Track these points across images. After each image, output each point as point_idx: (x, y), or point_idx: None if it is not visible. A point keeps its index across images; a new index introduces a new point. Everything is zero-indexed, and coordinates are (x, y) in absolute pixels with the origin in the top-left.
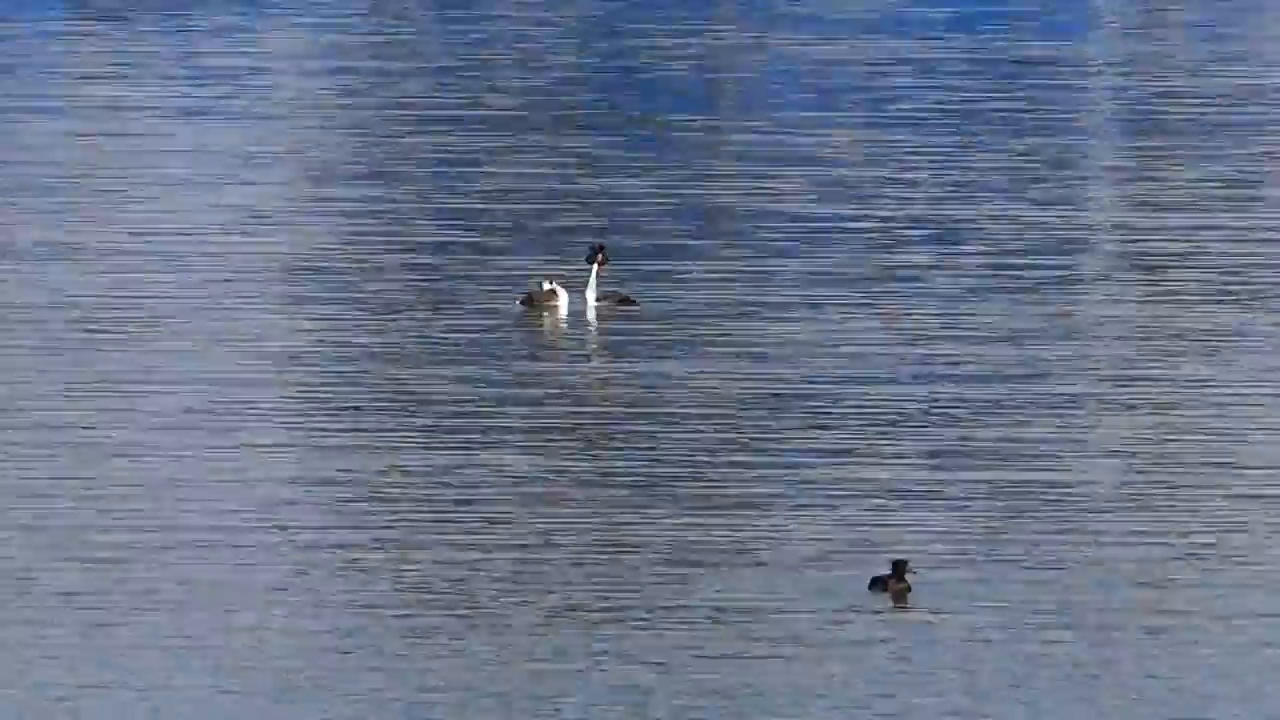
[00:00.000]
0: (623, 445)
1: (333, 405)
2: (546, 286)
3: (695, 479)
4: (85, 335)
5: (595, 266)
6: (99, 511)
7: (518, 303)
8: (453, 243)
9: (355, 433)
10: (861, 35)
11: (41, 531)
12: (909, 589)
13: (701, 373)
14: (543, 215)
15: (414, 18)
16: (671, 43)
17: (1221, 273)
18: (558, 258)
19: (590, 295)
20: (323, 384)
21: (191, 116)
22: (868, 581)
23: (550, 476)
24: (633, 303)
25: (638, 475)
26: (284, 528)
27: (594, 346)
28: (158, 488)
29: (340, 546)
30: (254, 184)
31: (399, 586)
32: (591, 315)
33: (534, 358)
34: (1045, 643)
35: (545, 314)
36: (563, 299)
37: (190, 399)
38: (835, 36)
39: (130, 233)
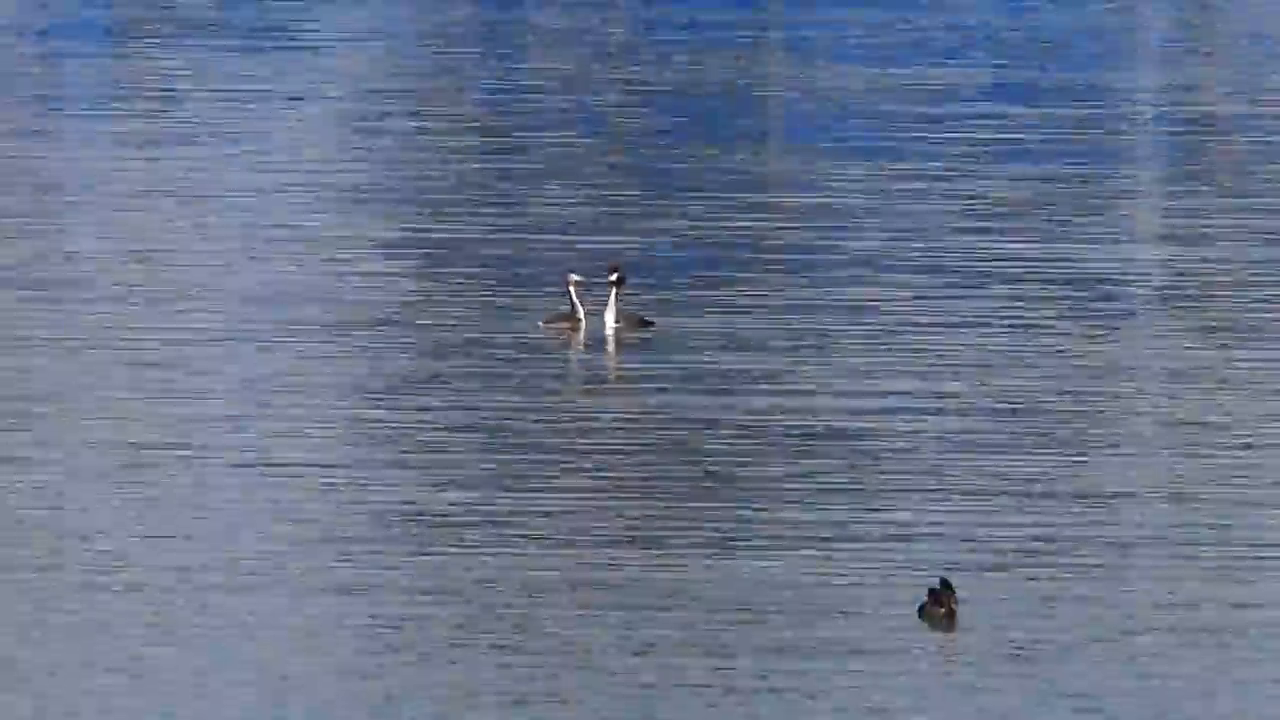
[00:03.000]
0: (641, 481)
1: (343, 431)
2: (574, 278)
3: (713, 514)
4: (99, 357)
5: (614, 289)
6: (108, 532)
7: (539, 323)
8: (472, 265)
9: (361, 464)
10: (884, 64)
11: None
12: (953, 613)
13: (721, 404)
14: (563, 238)
15: (449, 45)
16: (702, 69)
17: (1254, 307)
18: (578, 277)
19: (609, 317)
20: (336, 408)
21: (218, 140)
22: (917, 608)
23: (564, 513)
24: (650, 324)
25: (655, 511)
26: (283, 557)
27: (612, 375)
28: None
29: (334, 583)
30: (269, 208)
31: (395, 624)
32: (610, 334)
33: (552, 387)
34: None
35: (566, 334)
36: (583, 321)
37: (191, 423)
38: (859, 65)
39: (144, 255)
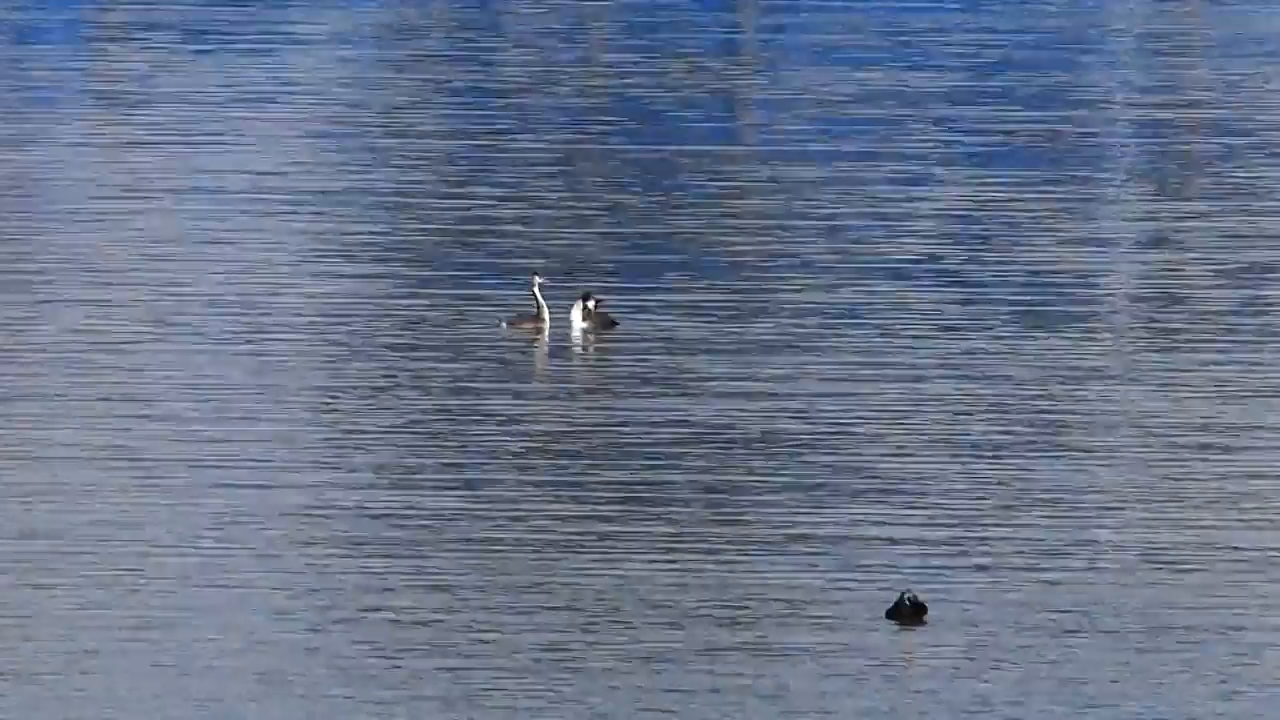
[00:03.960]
0: (608, 482)
1: (308, 435)
2: (538, 280)
3: (682, 517)
4: (91, 353)
5: (582, 303)
6: (93, 528)
7: (503, 324)
8: (437, 265)
9: (326, 467)
10: (858, 66)
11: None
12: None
13: (688, 407)
14: (529, 240)
15: (422, 46)
16: (682, 71)
17: (1239, 311)
18: (541, 279)
19: (575, 316)
20: (299, 409)
21: (186, 141)
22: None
23: (534, 514)
24: (615, 324)
25: (626, 514)
26: (238, 559)
27: (577, 379)
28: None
29: (291, 584)
30: (234, 209)
31: (368, 625)
32: (576, 335)
33: (518, 389)
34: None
35: (530, 334)
36: (547, 321)
37: (150, 422)
38: (839, 66)
39: (111, 255)
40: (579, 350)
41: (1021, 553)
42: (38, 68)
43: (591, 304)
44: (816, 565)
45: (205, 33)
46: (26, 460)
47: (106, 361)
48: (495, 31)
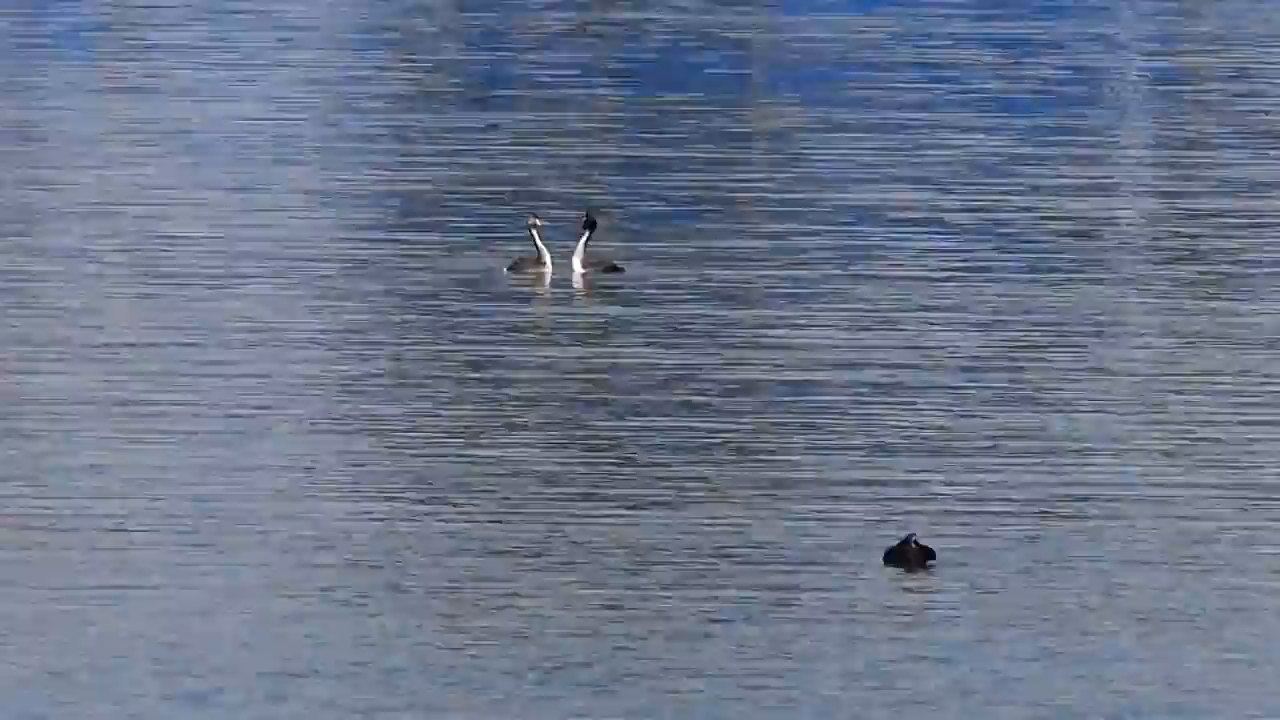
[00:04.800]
0: (609, 434)
1: (307, 386)
2: (536, 221)
3: (684, 465)
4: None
5: (584, 235)
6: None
7: (505, 269)
8: (442, 210)
9: (330, 417)
10: (869, 11)
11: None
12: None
13: (691, 355)
14: (538, 183)
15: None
16: (695, 20)
17: (1252, 259)
18: (541, 220)
19: (577, 262)
20: (300, 356)
21: (189, 91)
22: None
23: (540, 466)
24: (619, 270)
25: (622, 466)
26: (241, 507)
27: (579, 325)
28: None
29: (298, 535)
30: (237, 157)
31: (367, 570)
32: (578, 282)
33: (518, 337)
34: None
35: (532, 280)
36: (548, 265)
37: (166, 380)
38: (843, 13)
39: (109, 203)
40: (581, 296)
41: (1030, 502)
42: (41, 13)
43: (588, 235)
44: (823, 513)
45: None
46: (19, 407)
47: (103, 307)
48: None
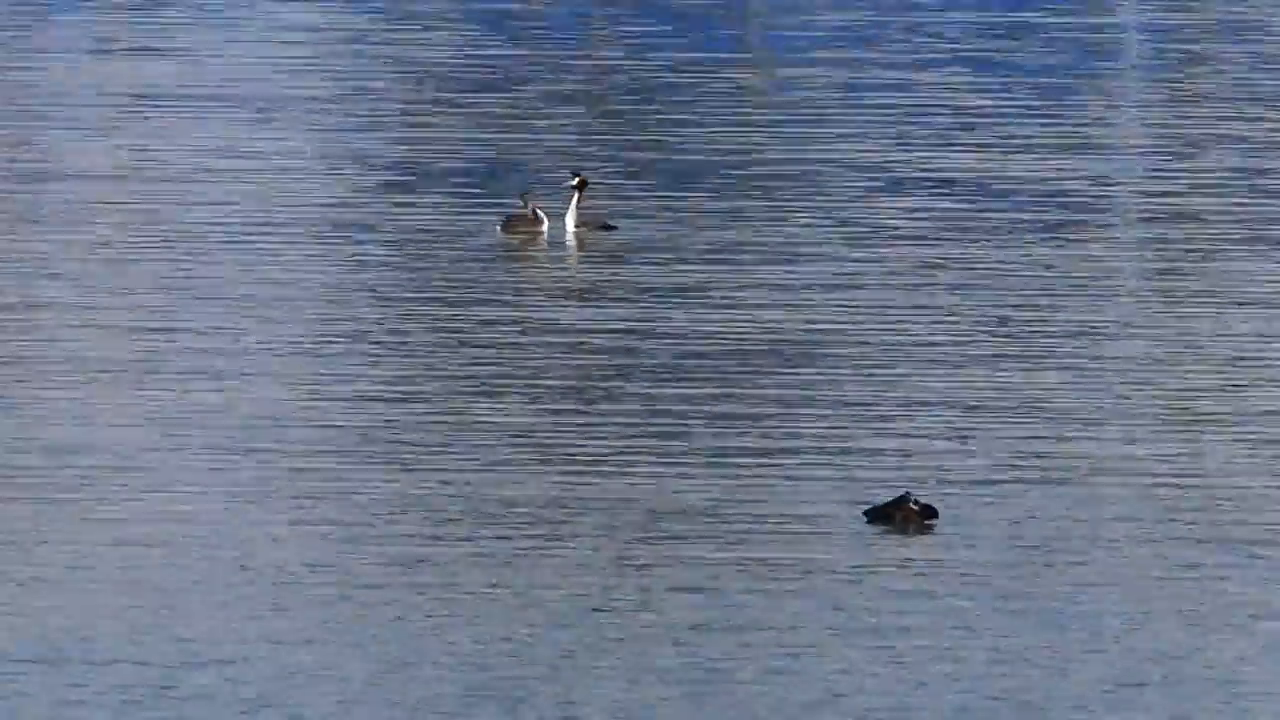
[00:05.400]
0: (609, 395)
1: (305, 347)
2: (528, 205)
3: (681, 431)
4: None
5: (576, 193)
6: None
7: (498, 228)
8: (434, 171)
9: (326, 381)
10: None
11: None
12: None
13: (683, 316)
14: (529, 147)
15: None
16: None
17: (1253, 221)
18: (540, 185)
19: (570, 221)
20: (294, 323)
21: (187, 54)
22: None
23: (534, 429)
24: (612, 228)
25: (621, 427)
26: (241, 471)
27: (572, 284)
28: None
29: (297, 496)
30: (233, 121)
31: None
32: (571, 241)
33: (513, 299)
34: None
35: (525, 239)
36: (543, 225)
37: (163, 355)
38: None
39: (109, 167)
40: (575, 255)
41: (1022, 464)
42: None
43: (578, 186)
44: (817, 475)
45: None
46: (25, 372)
47: (107, 272)
48: None
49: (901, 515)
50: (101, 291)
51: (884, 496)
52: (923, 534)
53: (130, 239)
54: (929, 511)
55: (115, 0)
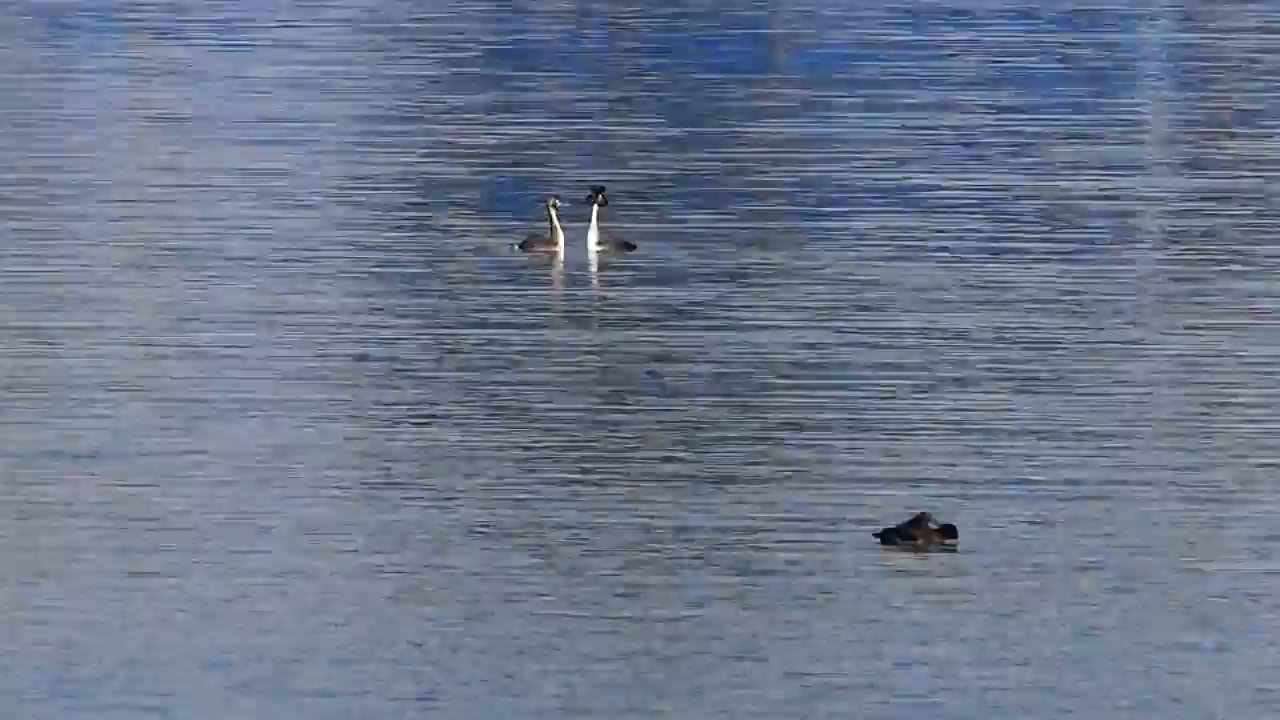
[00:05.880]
0: (626, 416)
1: (322, 369)
2: (555, 201)
3: (697, 453)
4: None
5: (595, 209)
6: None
7: (516, 247)
8: (453, 186)
9: (339, 402)
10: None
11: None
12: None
13: (702, 337)
14: (550, 162)
15: None
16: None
17: (1268, 241)
18: (561, 200)
19: (591, 240)
20: (312, 343)
21: (210, 74)
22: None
23: (549, 450)
24: (632, 247)
25: (642, 450)
26: (249, 497)
27: (593, 306)
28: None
29: (309, 522)
30: (251, 139)
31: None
32: (592, 259)
33: (531, 320)
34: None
35: (546, 258)
36: (561, 243)
37: (169, 358)
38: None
39: (130, 187)
40: (593, 275)
41: (1046, 486)
42: None
43: (599, 209)
44: (833, 497)
45: None
46: (38, 393)
47: (116, 292)
48: None
49: (920, 535)
50: (122, 312)
51: (899, 518)
52: (943, 552)
53: (150, 260)
54: (949, 530)
55: (139, 24)
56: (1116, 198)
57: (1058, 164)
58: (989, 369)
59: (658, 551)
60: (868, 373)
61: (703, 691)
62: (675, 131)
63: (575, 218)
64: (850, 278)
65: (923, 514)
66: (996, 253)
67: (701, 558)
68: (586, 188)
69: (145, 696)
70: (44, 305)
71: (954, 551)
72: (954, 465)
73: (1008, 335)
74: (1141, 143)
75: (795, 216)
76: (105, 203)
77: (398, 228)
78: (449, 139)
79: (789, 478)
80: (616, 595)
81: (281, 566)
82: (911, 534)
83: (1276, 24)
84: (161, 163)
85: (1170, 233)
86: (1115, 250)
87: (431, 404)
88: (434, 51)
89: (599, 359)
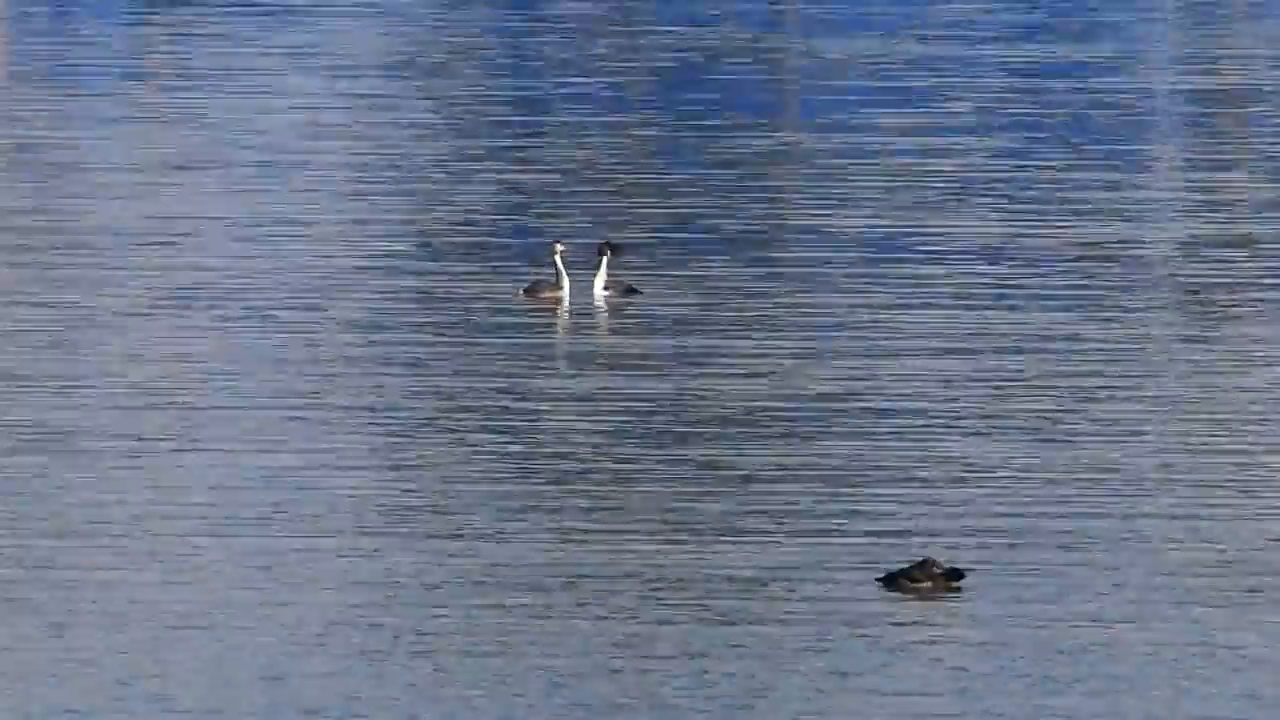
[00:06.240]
0: (629, 463)
1: (326, 414)
2: (560, 248)
3: (702, 497)
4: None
5: (604, 258)
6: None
7: (521, 292)
8: (457, 232)
9: (343, 447)
10: (905, 35)
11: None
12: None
13: (709, 383)
14: (556, 209)
15: (468, 19)
16: (722, 45)
17: (1272, 287)
18: (563, 247)
19: (598, 284)
20: (315, 391)
21: (219, 118)
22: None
23: (552, 496)
24: (638, 292)
25: (647, 495)
26: (229, 534)
27: (593, 351)
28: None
29: (298, 555)
30: (256, 183)
31: (370, 602)
32: (599, 303)
33: (535, 367)
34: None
35: (548, 304)
36: (567, 289)
37: (180, 422)
38: (877, 35)
39: (142, 232)
40: (598, 320)
41: (1051, 531)
42: (78, 41)
43: (609, 258)
44: (837, 542)
45: (246, 4)
46: (50, 441)
47: (127, 340)
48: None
49: (925, 579)
50: (125, 359)
51: (903, 563)
52: (948, 596)
53: (155, 305)
54: (955, 574)
55: (145, 70)
56: (1124, 242)
57: (1065, 209)
58: (995, 414)
59: (658, 597)
60: (874, 418)
61: None
62: (682, 177)
63: (582, 265)
64: (855, 324)
65: (927, 559)
66: (1004, 299)
67: (703, 604)
68: (593, 235)
69: None
70: (53, 350)
71: (959, 594)
72: (960, 510)
73: (1014, 380)
74: (1149, 187)
75: (801, 262)
76: (112, 249)
77: (402, 273)
78: (454, 185)
79: (793, 522)
80: (615, 640)
81: (273, 611)
82: (915, 578)
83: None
84: (166, 208)
85: (1178, 277)
86: (1122, 295)
87: (434, 448)
88: (438, 97)
89: (603, 404)
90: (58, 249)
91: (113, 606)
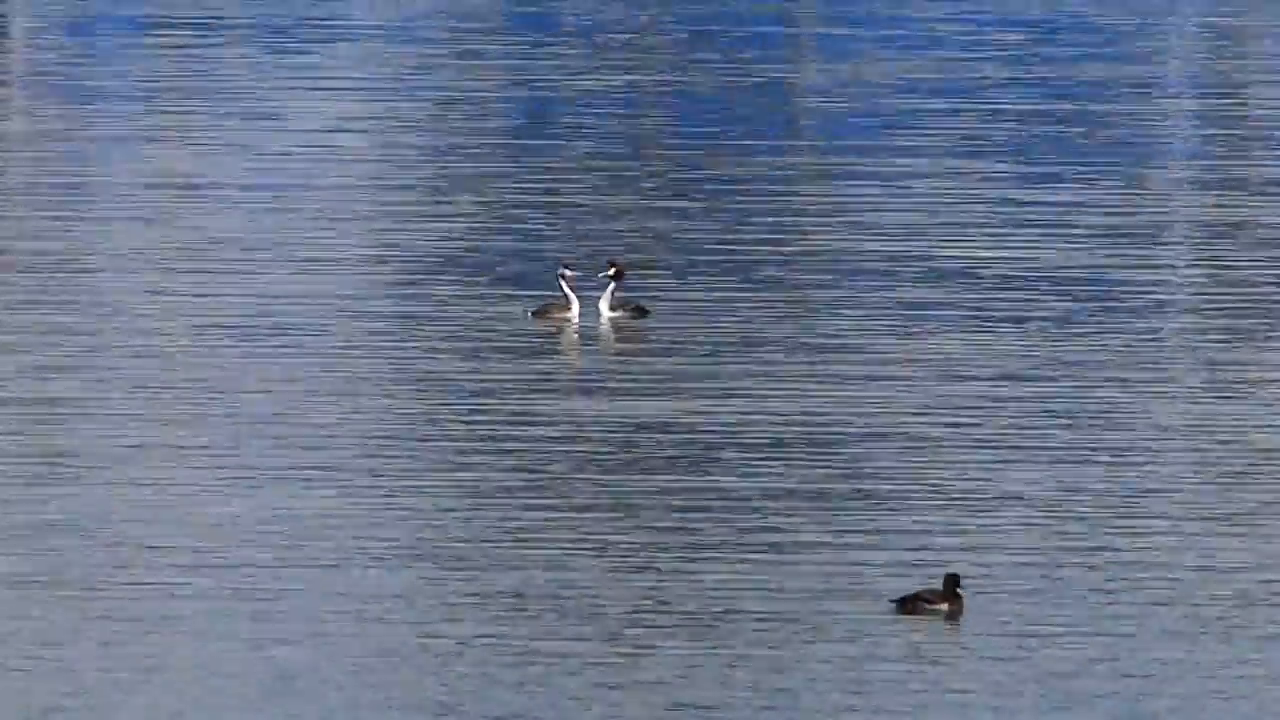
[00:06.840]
0: (636, 484)
1: (334, 439)
2: (568, 273)
3: (710, 520)
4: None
5: (612, 282)
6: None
7: (529, 314)
8: (466, 253)
9: (351, 470)
10: (915, 57)
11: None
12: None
13: (716, 406)
14: (563, 235)
15: (474, 40)
16: (733, 69)
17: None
18: (570, 270)
19: (604, 305)
20: (325, 413)
21: (229, 138)
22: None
23: (559, 519)
24: (646, 312)
25: (655, 517)
26: (256, 563)
27: (606, 373)
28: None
29: (321, 590)
30: (266, 206)
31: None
32: (606, 326)
33: (544, 389)
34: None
35: (559, 325)
36: (575, 310)
37: (184, 424)
38: (888, 57)
39: (152, 255)
40: (606, 342)
41: (1059, 555)
42: (92, 60)
43: (615, 275)
44: (848, 564)
45: (257, 27)
46: (67, 464)
47: (142, 360)
48: (541, 21)
49: (935, 601)
50: (139, 383)
51: (914, 585)
52: (957, 617)
53: (164, 329)
54: (956, 592)
55: (158, 90)
56: (1137, 266)
57: (1076, 234)
58: (1005, 439)
59: (666, 619)
60: (882, 442)
61: None
62: (690, 199)
63: (589, 287)
64: (863, 347)
65: (926, 588)
66: (1012, 322)
67: (713, 625)
68: (601, 258)
69: None
70: (66, 373)
71: (969, 616)
72: (968, 534)
73: (1026, 405)
74: (1164, 212)
75: (809, 285)
76: (126, 272)
77: (411, 296)
78: (464, 206)
79: (803, 545)
80: (625, 661)
81: (293, 631)
82: (927, 599)
83: None
84: (179, 233)
85: (1192, 302)
86: (1137, 319)
87: (443, 471)
88: (449, 121)
89: (612, 426)
90: (64, 270)
91: (114, 626)
